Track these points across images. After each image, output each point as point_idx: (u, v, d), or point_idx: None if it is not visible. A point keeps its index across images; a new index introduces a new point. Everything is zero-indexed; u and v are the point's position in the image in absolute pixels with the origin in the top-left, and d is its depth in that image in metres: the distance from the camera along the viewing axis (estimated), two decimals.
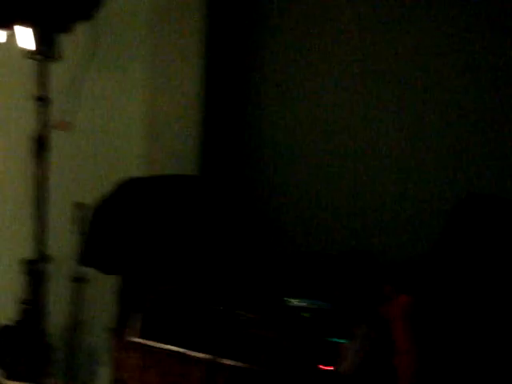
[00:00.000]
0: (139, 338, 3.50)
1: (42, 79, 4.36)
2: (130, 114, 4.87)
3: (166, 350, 3.46)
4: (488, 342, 2.37)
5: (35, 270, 4.47)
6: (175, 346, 3.45)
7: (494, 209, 2.55)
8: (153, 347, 3.48)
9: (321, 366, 3.47)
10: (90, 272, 4.53)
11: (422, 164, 4.65)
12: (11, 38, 4.36)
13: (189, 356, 3.40)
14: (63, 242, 4.67)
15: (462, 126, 4.49)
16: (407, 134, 4.70)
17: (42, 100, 4.37)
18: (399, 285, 3.13)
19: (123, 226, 4.10)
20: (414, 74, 4.63)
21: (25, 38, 4.27)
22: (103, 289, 4.65)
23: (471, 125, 4.45)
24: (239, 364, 3.43)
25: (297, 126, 5.06)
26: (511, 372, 2.38)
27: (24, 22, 4.24)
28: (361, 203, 4.86)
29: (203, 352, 3.34)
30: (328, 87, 4.95)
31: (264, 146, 5.14)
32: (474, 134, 4.44)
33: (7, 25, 4.30)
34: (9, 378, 4.32)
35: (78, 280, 4.62)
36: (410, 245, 4.62)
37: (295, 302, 4.30)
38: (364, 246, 4.19)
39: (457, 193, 4.45)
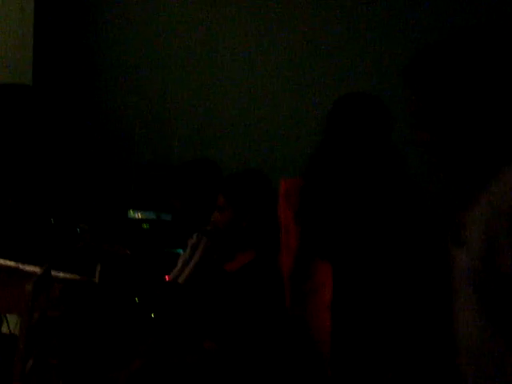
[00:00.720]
0: None
1: None
2: None
3: None
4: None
5: None
6: (5, 259, 3.34)
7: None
8: None
9: (163, 277, 3.45)
10: None
11: (270, 83, 4.66)
12: None
13: (20, 270, 3.31)
14: None
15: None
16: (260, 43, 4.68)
17: None
18: (232, 194, 3.13)
19: None
20: None
21: None
22: None
23: None
24: (74, 277, 3.37)
25: (141, 30, 4.93)
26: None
27: None
28: (207, 114, 4.83)
29: (35, 265, 3.25)
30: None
31: (107, 54, 4.98)
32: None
33: None
34: None
35: None
36: (253, 156, 4.65)
37: (136, 213, 4.26)
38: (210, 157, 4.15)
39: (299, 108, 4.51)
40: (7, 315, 3.77)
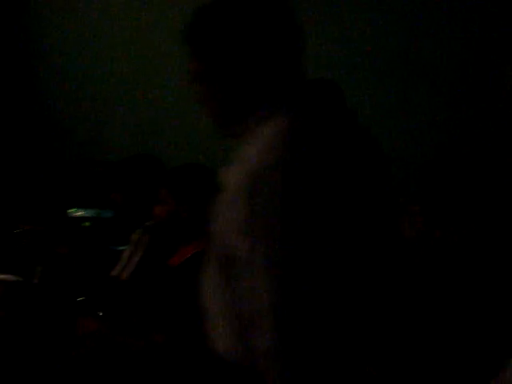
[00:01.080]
0: None
1: None
2: None
3: None
4: None
5: None
6: None
7: None
8: None
9: (107, 275, 3.40)
10: None
11: None
12: None
13: None
14: None
15: None
16: None
17: None
18: (173, 185, 3.10)
19: None
20: None
21: None
22: None
23: None
24: (15, 278, 3.30)
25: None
26: None
27: None
28: (145, 110, 4.79)
29: None
30: None
31: (44, 49, 4.90)
32: None
33: None
34: None
35: None
36: (192, 152, 4.63)
37: (75, 212, 4.20)
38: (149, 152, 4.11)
39: None
40: None
